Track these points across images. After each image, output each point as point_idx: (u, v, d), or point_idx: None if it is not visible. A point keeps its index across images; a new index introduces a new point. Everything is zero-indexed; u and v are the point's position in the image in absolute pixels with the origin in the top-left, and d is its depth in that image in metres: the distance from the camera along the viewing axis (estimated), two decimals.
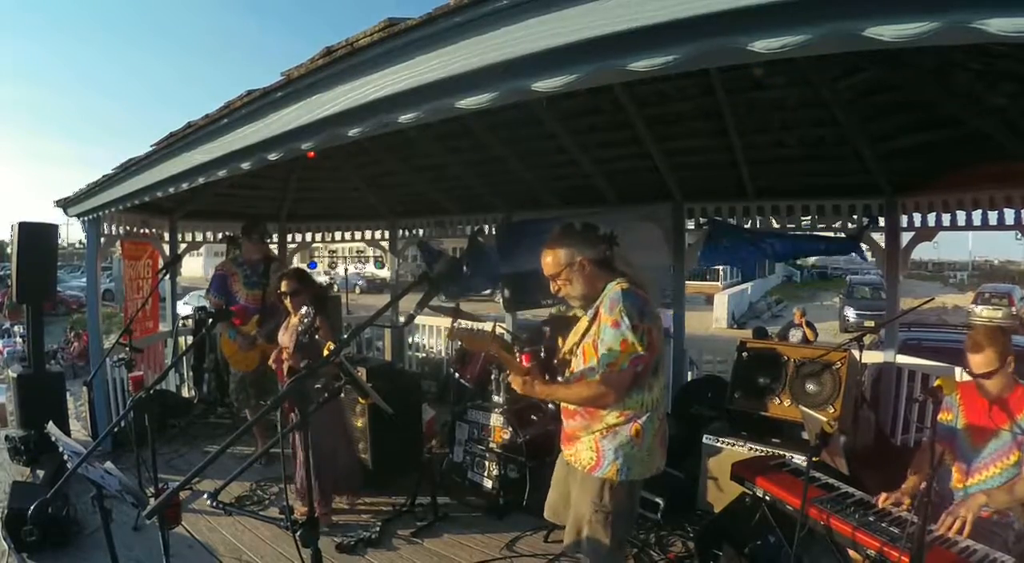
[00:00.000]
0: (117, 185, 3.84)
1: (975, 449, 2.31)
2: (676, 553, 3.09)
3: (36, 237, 4.67)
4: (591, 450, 2.09)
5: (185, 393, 5.83)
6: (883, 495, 2.33)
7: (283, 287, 3.45)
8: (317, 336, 3.17)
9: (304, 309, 3.07)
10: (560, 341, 2.34)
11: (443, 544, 3.26)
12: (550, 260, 2.15)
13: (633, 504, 2.23)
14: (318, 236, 7.22)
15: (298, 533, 1.74)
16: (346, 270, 26.34)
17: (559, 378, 2.22)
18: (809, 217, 4.64)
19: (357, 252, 30.93)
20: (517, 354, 2.22)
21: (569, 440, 2.22)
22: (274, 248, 6.35)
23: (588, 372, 2.06)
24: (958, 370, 3.57)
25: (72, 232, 35.67)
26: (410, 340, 7.29)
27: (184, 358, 5.78)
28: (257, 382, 4.24)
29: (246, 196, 6.28)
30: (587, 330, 2.10)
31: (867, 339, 3.81)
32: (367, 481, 3.81)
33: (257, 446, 4.43)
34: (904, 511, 2.23)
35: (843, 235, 4.50)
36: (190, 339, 5.87)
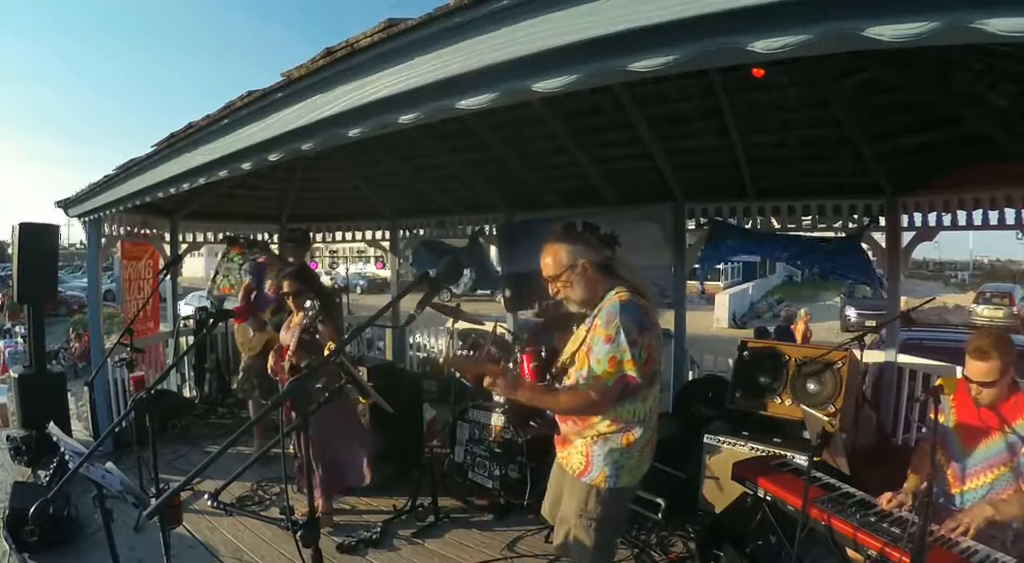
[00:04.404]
0: (118, 186, 3.85)
1: (966, 451, 2.29)
2: (677, 553, 3.09)
3: (37, 238, 4.68)
4: (581, 455, 2.07)
5: (186, 393, 5.84)
6: (887, 495, 2.31)
7: (285, 287, 3.44)
8: (318, 336, 3.17)
9: (308, 302, 3.06)
10: (558, 340, 2.31)
11: (444, 544, 3.26)
12: (550, 261, 2.09)
13: (621, 511, 2.20)
14: (319, 236, 7.23)
15: (299, 533, 1.74)
16: (347, 270, 26.37)
17: (556, 385, 2.20)
18: (810, 217, 4.63)
19: (358, 252, 30.94)
20: (518, 354, 2.21)
21: (562, 443, 2.20)
22: (274, 248, 6.35)
23: (580, 380, 2.04)
24: (959, 369, 3.55)
25: (73, 232, 35.64)
26: (411, 340, 7.29)
27: (185, 358, 5.79)
28: (262, 371, 4.23)
29: (247, 197, 6.30)
30: (584, 338, 2.07)
31: (868, 338, 3.81)
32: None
33: (257, 446, 4.44)
34: (906, 511, 2.22)
35: (844, 235, 4.50)
36: (191, 339, 5.88)
